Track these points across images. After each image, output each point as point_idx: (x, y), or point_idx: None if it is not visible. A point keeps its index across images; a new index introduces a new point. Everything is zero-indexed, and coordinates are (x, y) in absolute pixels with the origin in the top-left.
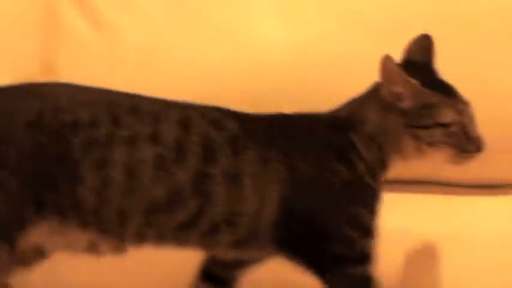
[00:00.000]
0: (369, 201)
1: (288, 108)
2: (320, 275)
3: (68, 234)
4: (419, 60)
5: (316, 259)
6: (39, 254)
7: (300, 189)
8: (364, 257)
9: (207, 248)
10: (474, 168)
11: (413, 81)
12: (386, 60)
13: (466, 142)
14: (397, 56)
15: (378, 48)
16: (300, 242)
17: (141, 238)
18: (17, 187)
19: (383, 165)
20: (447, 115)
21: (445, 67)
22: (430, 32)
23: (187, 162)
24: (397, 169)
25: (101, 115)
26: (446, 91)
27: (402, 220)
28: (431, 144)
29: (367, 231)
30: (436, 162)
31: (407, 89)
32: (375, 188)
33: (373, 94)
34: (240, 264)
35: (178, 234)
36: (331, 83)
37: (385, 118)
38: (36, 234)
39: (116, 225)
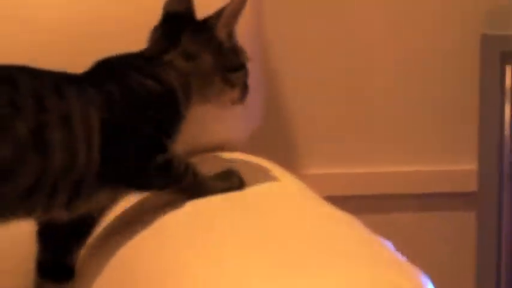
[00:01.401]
0: (173, 114)
1: None
2: (141, 186)
3: None
4: (181, 11)
5: (134, 172)
6: None
7: (114, 109)
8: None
9: (47, 211)
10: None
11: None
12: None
13: (246, 86)
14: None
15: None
16: (120, 161)
17: None
18: None
19: (188, 101)
20: (246, 57)
21: None
22: None
23: (25, 112)
24: None
25: None
26: None
27: None
28: (233, 85)
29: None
30: (222, 105)
31: (233, 32)
32: (182, 110)
33: (172, 44)
34: (77, 233)
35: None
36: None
37: (197, 64)
38: None
39: None
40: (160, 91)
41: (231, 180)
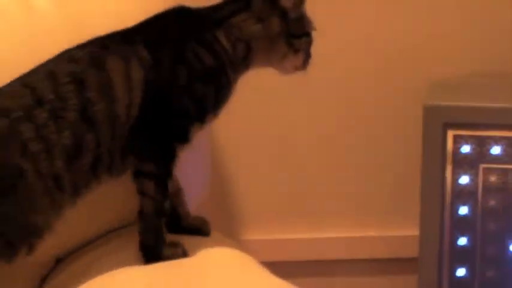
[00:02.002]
0: (220, 90)
1: None
2: (151, 156)
3: None
4: None
5: (158, 137)
6: None
7: (162, 73)
8: (185, 138)
9: (110, 178)
10: None
11: None
12: None
13: (309, 54)
14: None
15: None
16: (152, 123)
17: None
18: None
19: (246, 64)
20: (310, 26)
21: None
22: None
23: (70, 100)
24: None
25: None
26: None
27: None
28: (296, 51)
29: (202, 117)
30: (284, 70)
31: (301, 2)
32: (231, 81)
33: (246, 5)
34: None
35: (91, 176)
36: None
37: (266, 26)
38: None
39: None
40: (212, 65)
41: (176, 249)
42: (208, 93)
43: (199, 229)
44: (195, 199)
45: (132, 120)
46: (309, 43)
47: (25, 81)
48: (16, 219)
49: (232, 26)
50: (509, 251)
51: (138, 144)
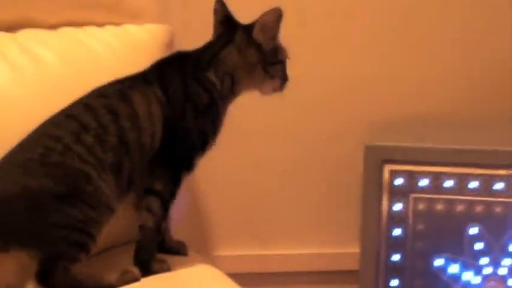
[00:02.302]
0: (215, 121)
1: None
2: (162, 179)
3: None
4: (228, 16)
5: (174, 163)
6: None
7: (175, 111)
8: (190, 166)
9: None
10: None
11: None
12: (278, 11)
13: (285, 77)
14: None
15: None
16: (170, 152)
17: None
18: None
19: (233, 93)
20: (284, 55)
21: None
22: None
23: (109, 127)
24: None
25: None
26: None
27: None
28: (272, 76)
29: (204, 147)
30: (264, 92)
31: (273, 37)
32: (221, 112)
33: (229, 40)
34: None
35: (126, 192)
36: None
37: (245, 57)
38: None
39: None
40: (207, 102)
41: (163, 265)
42: (208, 126)
43: (179, 250)
44: (173, 218)
45: (154, 150)
46: (283, 69)
47: (68, 113)
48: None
49: (219, 61)
50: (434, 266)
51: (153, 168)
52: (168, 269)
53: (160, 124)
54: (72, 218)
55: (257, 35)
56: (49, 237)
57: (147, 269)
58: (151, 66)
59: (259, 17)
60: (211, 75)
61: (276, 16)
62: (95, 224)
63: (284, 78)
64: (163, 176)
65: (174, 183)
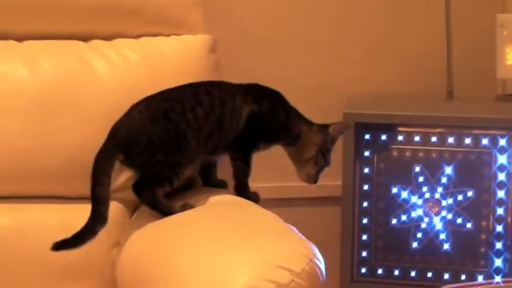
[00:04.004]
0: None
1: None
2: (242, 151)
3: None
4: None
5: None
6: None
7: (260, 112)
8: (255, 148)
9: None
10: None
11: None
12: (347, 126)
13: (317, 175)
14: None
15: None
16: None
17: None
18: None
19: (275, 142)
20: (330, 162)
21: None
22: None
23: (215, 109)
24: None
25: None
26: None
27: None
28: (315, 163)
29: (266, 141)
30: (298, 173)
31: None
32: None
33: (310, 124)
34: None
35: (214, 150)
36: None
37: (315, 137)
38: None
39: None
40: (281, 124)
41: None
42: (272, 130)
43: (221, 186)
44: None
45: (238, 133)
46: (322, 168)
47: (192, 91)
48: (178, 162)
49: (297, 132)
50: (391, 192)
51: (235, 145)
52: (258, 199)
53: (245, 120)
54: (168, 159)
55: (332, 132)
56: (150, 167)
57: (243, 196)
58: (241, 85)
59: (332, 125)
60: (294, 122)
61: (344, 128)
62: (181, 168)
63: (317, 174)
64: (243, 151)
65: (250, 152)
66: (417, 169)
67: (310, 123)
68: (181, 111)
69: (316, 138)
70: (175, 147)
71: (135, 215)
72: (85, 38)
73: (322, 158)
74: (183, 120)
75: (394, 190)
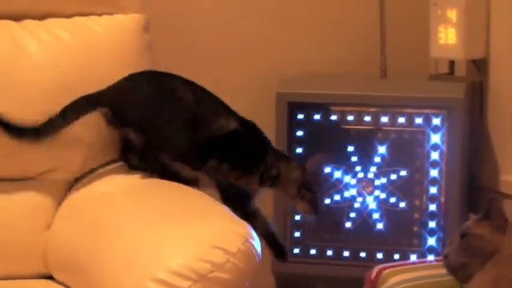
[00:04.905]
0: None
1: None
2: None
3: None
4: None
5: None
6: None
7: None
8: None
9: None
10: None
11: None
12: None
13: (314, 206)
14: None
15: None
16: None
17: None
18: None
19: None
20: (319, 191)
21: None
22: None
23: (211, 98)
24: None
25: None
26: None
27: None
28: (302, 198)
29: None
30: (295, 207)
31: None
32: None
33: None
34: None
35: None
36: None
37: (293, 174)
38: None
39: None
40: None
41: None
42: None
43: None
44: None
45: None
46: (314, 199)
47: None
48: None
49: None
50: (324, 172)
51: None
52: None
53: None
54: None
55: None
56: (160, 133)
57: None
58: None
59: (305, 170)
60: (271, 160)
61: (318, 169)
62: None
63: (312, 206)
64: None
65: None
66: (350, 149)
67: (287, 159)
68: (192, 100)
69: (294, 175)
70: (188, 127)
71: (67, 196)
72: (17, 18)
73: (307, 192)
74: (192, 103)
75: (327, 170)
